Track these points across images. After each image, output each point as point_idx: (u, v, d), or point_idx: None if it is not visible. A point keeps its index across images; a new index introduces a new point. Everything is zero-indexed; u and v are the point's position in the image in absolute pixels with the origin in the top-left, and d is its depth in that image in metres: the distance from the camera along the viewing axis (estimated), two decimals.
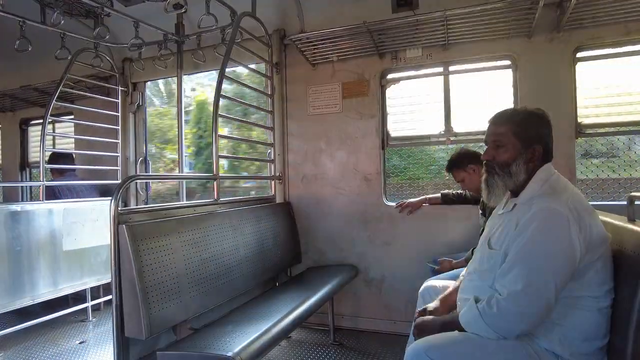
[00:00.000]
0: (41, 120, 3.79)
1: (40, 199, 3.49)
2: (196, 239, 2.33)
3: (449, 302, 1.80)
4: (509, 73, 3.08)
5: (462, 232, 3.05)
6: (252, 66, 3.38)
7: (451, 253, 2.88)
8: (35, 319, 3.29)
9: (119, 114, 4.19)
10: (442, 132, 3.28)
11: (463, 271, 1.90)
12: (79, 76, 3.99)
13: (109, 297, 3.83)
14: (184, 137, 3.88)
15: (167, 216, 2.28)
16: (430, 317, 1.72)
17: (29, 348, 3.17)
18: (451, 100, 3.25)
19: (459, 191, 3.06)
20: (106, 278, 3.68)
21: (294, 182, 3.60)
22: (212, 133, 2.67)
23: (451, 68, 3.24)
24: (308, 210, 3.55)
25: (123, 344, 1.98)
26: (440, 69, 3.27)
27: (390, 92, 3.42)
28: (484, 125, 1.75)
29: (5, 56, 3.98)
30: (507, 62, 3.07)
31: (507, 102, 3.05)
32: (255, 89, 3.53)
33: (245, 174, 6.01)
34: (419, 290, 2.20)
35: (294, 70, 3.58)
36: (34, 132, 5.34)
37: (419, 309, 1.85)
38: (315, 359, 2.86)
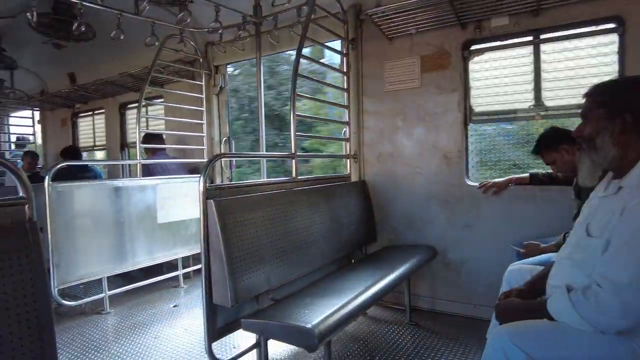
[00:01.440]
0: (137, 104, 4.15)
1: (138, 175, 3.86)
2: (276, 214, 2.43)
3: (536, 288, 1.69)
4: (614, 38, 2.72)
5: (553, 215, 2.81)
6: (328, 44, 3.37)
7: (540, 237, 2.69)
8: (136, 282, 3.72)
9: (204, 96, 4.45)
10: (531, 106, 3.02)
11: (553, 257, 1.77)
12: (167, 61, 4.28)
13: (198, 266, 4.19)
14: (263, 118, 4.02)
15: (250, 192, 2.39)
16: (515, 299, 1.63)
17: (133, 307, 3.58)
18: (542, 71, 2.96)
19: (549, 171, 2.82)
20: (195, 249, 4.01)
21: (369, 161, 3.57)
22: (289, 113, 2.74)
23: (542, 36, 2.94)
24: (384, 189, 3.51)
25: (211, 310, 2.15)
26: (530, 38, 2.99)
27: (473, 64, 3.21)
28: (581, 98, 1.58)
29: (106, 46, 4.38)
30: (612, 25, 2.71)
31: (611, 70, 2.71)
32: (330, 67, 3.52)
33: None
34: (504, 274, 2.09)
35: (370, 45, 3.50)
36: (130, 115, 5.89)
37: (502, 292, 1.77)
38: (391, 336, 2.88)
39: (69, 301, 3.29)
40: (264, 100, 4.10)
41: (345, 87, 3.49)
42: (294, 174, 2.81)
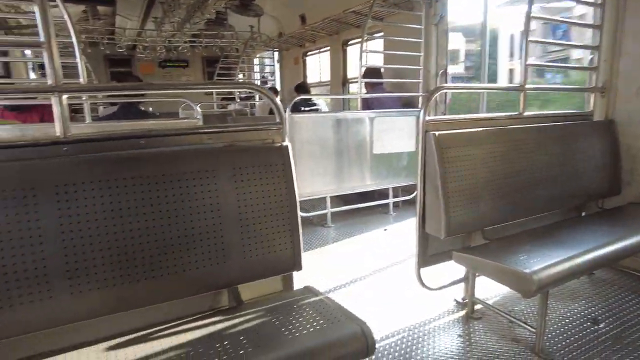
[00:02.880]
0: (358, 40, 4.36)
1: (358, 108, 4.17)
2: (497, 151, 2.28)
3: None
4: None
5: None
6: None
7: None
8: (352, 205, 4.17)
9: (422, 27, 4.32)
10: None
11: None
12: None
13: (407, 197, 4.41)
14: (487, 47, 3.68)
15: (469, 127, 2.29)
16: None
17: (350, 226, 4.07)
18: None
19: None
20: (406, 181, 4.20)
21: (623, 96, 2.87)
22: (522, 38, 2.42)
23: None
24: (639, 132, 2.82)
25: (424, 238, 2.26)
26: None
27: None
28: None
29: None
30: None
31: None
32: None
33: None
34: None
35: None
36: (352, 51, 6.27)
37: None
38: (624, 304, 2.45)
39: (302, 212, 3.96)
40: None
41: (599, 1, 2.81)
42: (521, 109, 2.54)
